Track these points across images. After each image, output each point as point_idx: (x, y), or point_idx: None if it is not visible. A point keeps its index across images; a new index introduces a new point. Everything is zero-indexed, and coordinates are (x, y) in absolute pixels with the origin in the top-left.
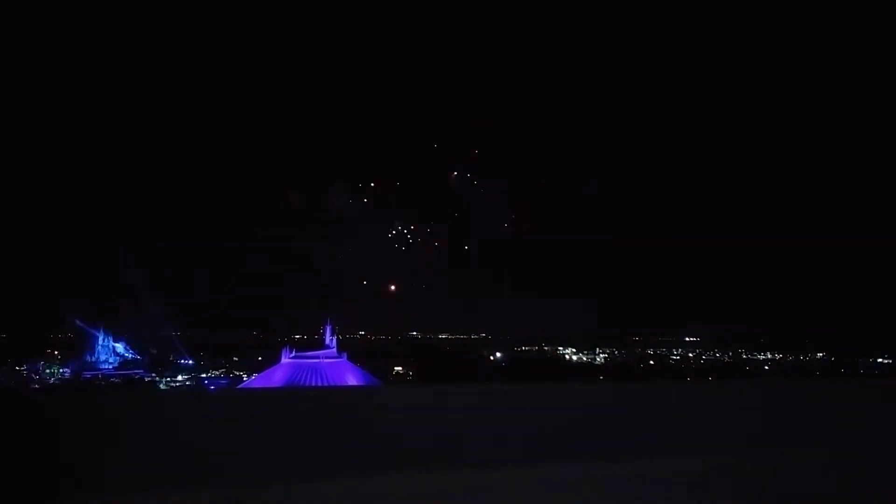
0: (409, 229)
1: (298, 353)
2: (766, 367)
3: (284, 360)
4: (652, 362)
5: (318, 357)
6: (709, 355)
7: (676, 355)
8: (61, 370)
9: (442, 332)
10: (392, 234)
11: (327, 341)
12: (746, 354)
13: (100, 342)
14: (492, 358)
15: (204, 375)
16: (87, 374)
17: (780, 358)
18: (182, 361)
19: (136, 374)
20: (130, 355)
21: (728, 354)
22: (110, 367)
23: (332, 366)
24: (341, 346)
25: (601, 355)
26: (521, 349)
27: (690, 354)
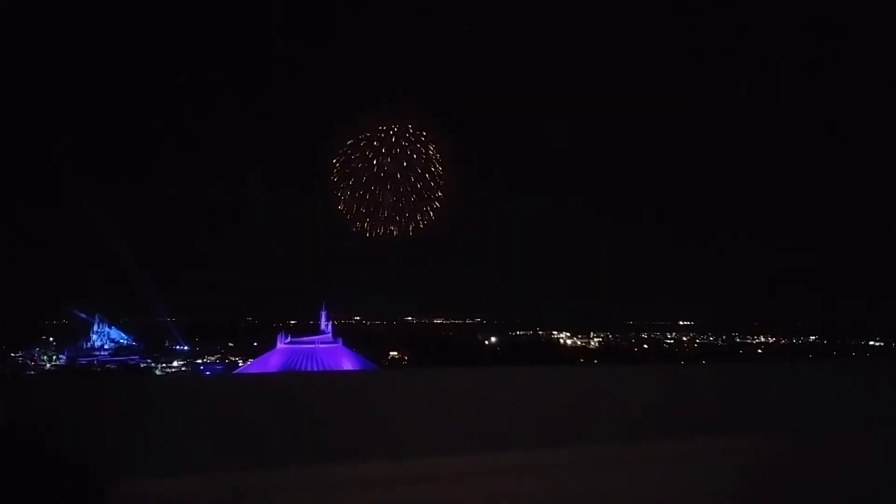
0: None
1: (294, 339)
2: (760, 351)
3: (280, 345)
4: (646, 346)
5: (313, 342)
6: (703, 339)
7: (670, 339)
8: (57, 356)
9: (437, 318)
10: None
11: (323, 326)
12: (740, 338)
13: (95, 328)
14: (487, 343)
15: (199, 361)
16: (83, 361)
17: (774, 341)
18: (177, 347)
19: (132, 360)
20: (126, 341)
21: (722, 338)
22: (106, 353)
23: (328, 351)
24: (336, 332)
25: (595, 339)
26: (517, 333)
27: (684, 338)
